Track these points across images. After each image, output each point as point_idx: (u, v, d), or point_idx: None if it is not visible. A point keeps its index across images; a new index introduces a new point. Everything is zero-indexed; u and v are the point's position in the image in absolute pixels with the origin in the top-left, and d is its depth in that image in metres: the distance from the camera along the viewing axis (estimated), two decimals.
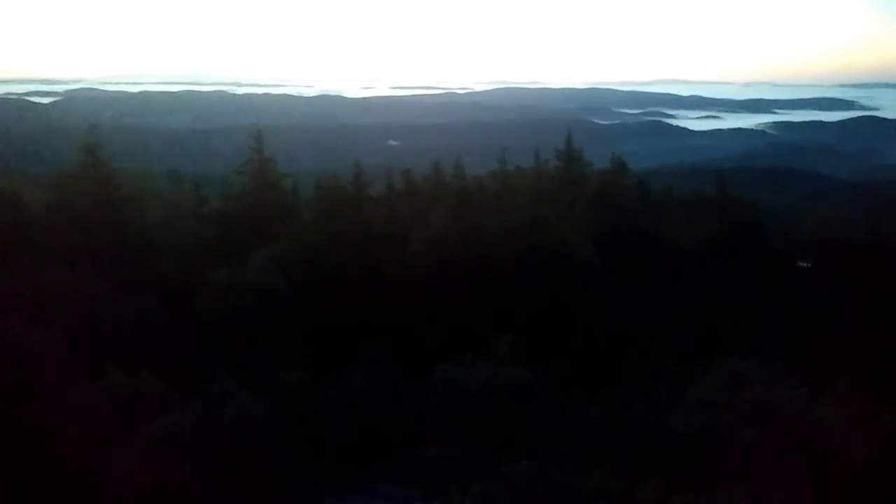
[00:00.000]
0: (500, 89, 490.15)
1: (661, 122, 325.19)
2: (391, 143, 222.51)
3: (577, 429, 19.78)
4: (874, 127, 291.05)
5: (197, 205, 33.64)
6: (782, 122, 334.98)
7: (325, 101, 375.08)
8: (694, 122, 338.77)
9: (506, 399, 20.70)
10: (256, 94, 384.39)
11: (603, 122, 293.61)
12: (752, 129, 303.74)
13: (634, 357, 24.08)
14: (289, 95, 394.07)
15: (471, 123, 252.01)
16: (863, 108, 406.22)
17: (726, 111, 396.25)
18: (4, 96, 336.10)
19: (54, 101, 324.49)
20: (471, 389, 20.84)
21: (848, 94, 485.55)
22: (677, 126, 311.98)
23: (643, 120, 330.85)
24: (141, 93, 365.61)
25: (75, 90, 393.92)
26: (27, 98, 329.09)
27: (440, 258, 29.34)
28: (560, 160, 37.38)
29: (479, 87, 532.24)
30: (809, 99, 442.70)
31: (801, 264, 35.75)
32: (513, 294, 28.01)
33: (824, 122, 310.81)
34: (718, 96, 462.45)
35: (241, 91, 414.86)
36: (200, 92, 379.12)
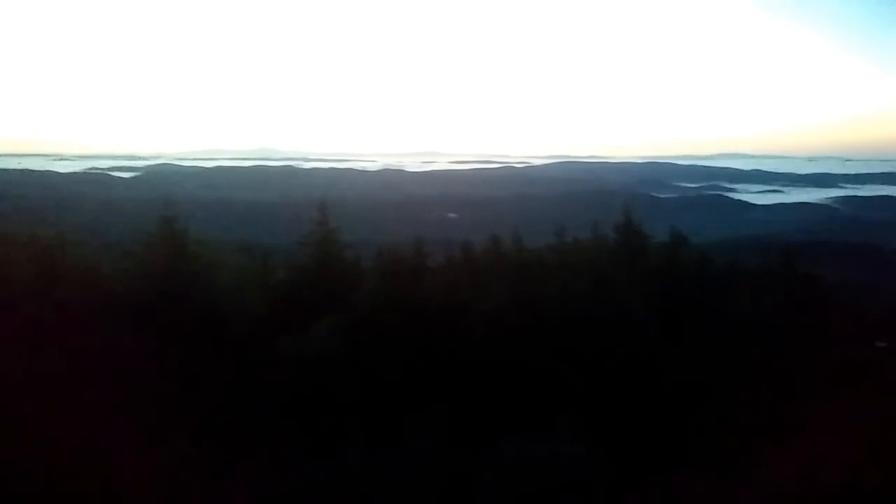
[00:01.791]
0: (559, 163, 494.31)
1: (721, 195, 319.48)
2: (451, 215, 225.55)
3: None
4: None
5: (264, 275, 34.86)
6: (850, 196, 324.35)
7: (387, 174, 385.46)
8: (755, 195, 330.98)
9: (566, 479, 20.11)
10: (322, 169, 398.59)
11: (662, 196, 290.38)
12: (817, 204, 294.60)
13: (701, 437, 23.14)
14: (353, 170, 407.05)
15: (529, 196, 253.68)
16: None
17: (789, 185, 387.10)
18: (90, 171, 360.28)
19: (136, 176, 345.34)
20: (529, 468, 20.37)
21: None
22: (738, 200, 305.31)
23: (703, 193, 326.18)
24: (215, 167, 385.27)
25: (155, 165, 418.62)
26: (110, 173, 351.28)
27: (499, 330, 29.32)
28: (619, 233, 37.33)
29: (537, 161, 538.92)
30: (878, 174, 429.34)
31: (878, 344, 34.01)
32: (573, 368, 27.58)
33: (894, 197, 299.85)
34: (781, 170, 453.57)
35: (307, 165, 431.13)
36: (270, 167, 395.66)
